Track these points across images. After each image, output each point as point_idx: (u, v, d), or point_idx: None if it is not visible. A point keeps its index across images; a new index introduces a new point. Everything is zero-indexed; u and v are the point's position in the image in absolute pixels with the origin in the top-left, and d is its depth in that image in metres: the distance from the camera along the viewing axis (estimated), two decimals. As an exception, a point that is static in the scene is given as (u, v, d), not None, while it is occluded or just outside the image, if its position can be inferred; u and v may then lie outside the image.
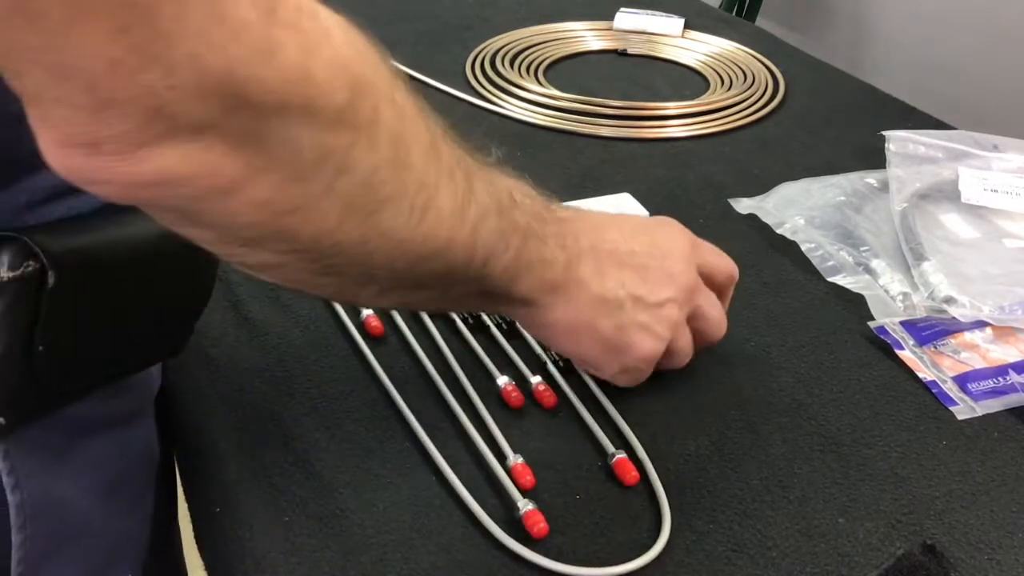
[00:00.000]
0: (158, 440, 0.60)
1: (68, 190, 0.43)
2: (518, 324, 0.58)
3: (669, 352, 0.53)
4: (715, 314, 0.55)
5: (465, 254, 0.42)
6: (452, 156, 0.41)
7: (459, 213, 0.40)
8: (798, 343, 0.62)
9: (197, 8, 0.29)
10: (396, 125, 0.36)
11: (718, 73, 1.03)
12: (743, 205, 0.76)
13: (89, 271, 0.44)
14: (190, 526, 0.55)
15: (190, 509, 0.56)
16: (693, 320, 0.54)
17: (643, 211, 0.70)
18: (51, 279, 0.41)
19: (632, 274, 0.50)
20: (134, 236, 0.44)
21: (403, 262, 0.40)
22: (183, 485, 0.58)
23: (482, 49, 1.06)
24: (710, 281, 0.55)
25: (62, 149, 0.31)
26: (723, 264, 0.56)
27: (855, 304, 0.65)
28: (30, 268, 0.41)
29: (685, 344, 0.54)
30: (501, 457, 0.51)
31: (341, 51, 0.33)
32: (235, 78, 0.30)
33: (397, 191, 0.37)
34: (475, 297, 0.46)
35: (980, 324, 0.62)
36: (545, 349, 0.59)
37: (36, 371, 0.43)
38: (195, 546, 0.54)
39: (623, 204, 0.71)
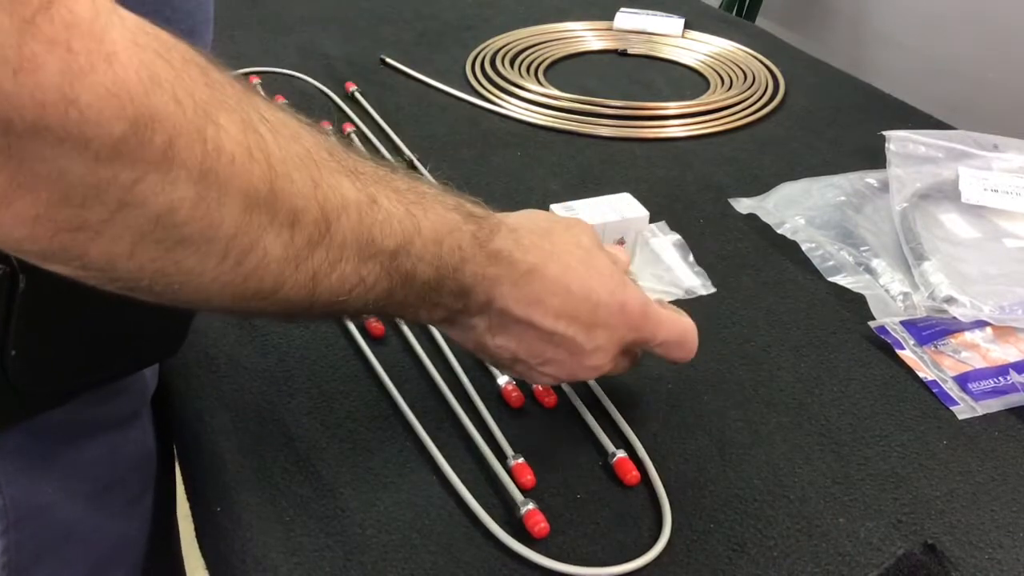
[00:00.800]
0: (157, 441, 0.59)
1: None
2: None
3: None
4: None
5: (303, 295, 0.38)
6: (307, 195, 0.36)
7: (294, 260, 0.36)
8: (798, 343, 0.62)
9: None
10: (204, 164, 0.32)
11: (718, 73, 1.03)
12: (743, 205, 0.76)
13: (62, 275, 0.43)
14: (191, 525, 0.55)
15: (191, 509, 0.56)
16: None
17: (643, 211, 0.70)
18: (22, 283, 0.40)
19: (532, 345, 0.46)
20: None
21: (221, 299, 0.36)
22: (184, 485, 0.58)
23: (482, 49, 1.06)
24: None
25: None
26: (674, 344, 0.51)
27: (855, 304, 0.65)
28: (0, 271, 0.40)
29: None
30: (501, 457, 0.51)
31: (124, 78, 0.29)
32: None
33: (203, 233, 0.33)
34: (334, 317, 0.42)
35: (980, 324, 0.62)
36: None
37: (10, 377, 0.42)
38: (196, 545, 0.54)
39: (623, 204, 0.71)
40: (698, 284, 0.64)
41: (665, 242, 0.65)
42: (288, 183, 0.35)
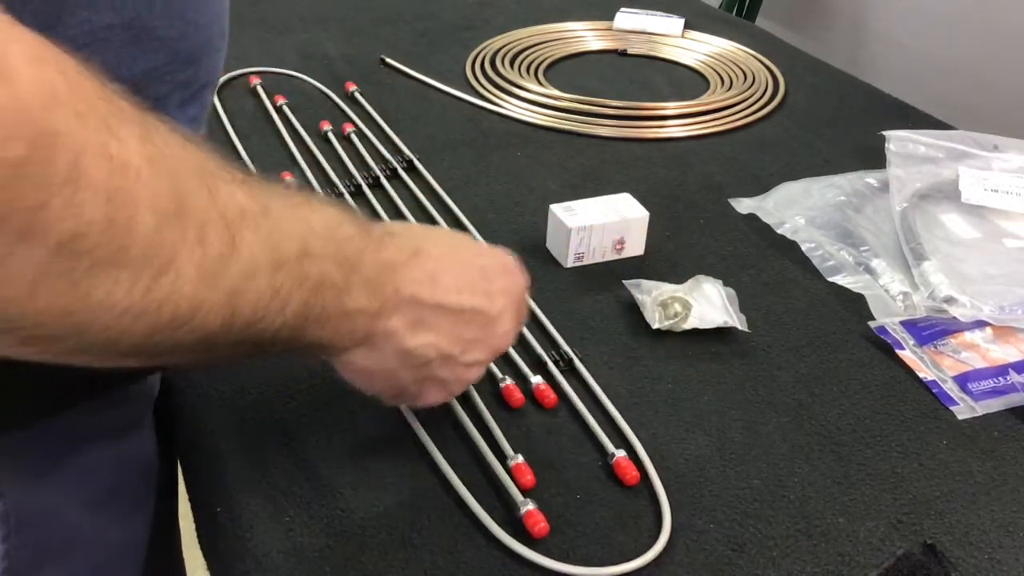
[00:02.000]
0: (160, 445, 0.59)
1: None
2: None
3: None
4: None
5: (221, 318, 0.36)
6: (210, 208, 0.35)
7: (210, 277, 0.35)
8: (798, 343, 0.62)
9: None
10: (112, 181, 0.30)
11: (718, 73, 1.03)
12: (743, 205, 0.76)
13: None
14: (191, 525, 0.55)
15: (192, 509, 0.56)
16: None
17: (643, 211, 0.70)
18: None
19: (451, 332, 0.46)
20: None
21: (133, 334, 0.34)
22: (185, 485, 0.58)
23: (482, 49, 1.06)
24: None
25: None
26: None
27: (855, 304, 0.65)
28: None
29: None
30: (501, 457, 0.51)
31: (24, 97, 0.28)
32: None
33: (112, 258, 0.31)
34: (250, 350, 0.41)
35: (980, 324, 0.62)
36: (546, 349, 0.59)
37: (17, 382, 0.42)
38: (196, 545, 0.54)
39: (623, 204, 0.71)
40: (735, 319, 0.62)
41: (716, 285, 0.64)
42: (192, 197, 0.34)
